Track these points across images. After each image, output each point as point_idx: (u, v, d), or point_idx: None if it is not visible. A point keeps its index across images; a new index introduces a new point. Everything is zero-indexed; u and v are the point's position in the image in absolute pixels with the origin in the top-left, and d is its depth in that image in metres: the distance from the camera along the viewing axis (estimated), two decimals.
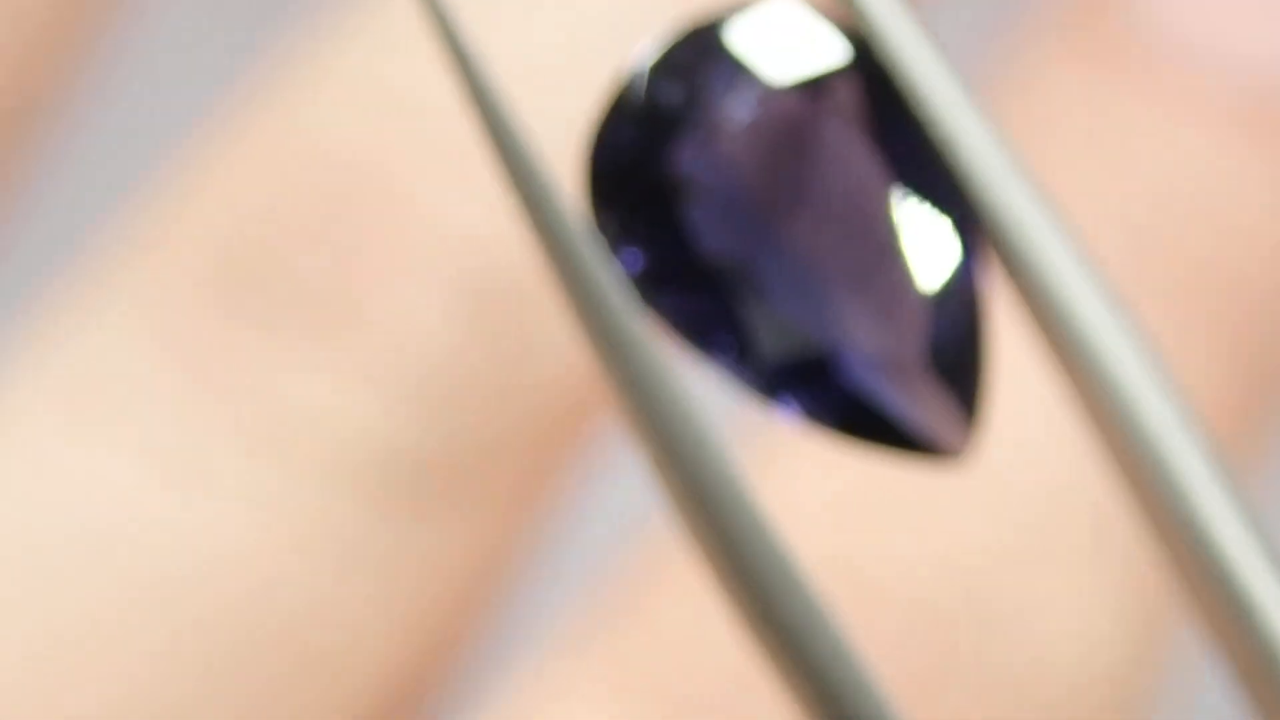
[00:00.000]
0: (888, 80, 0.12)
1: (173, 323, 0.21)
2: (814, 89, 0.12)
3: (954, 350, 0.12)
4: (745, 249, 0.12)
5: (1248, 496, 0.12)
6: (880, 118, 0.12)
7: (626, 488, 0.19)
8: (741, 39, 0.12)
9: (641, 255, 0.12)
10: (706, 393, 0.12)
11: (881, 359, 0.12)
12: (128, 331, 0.21)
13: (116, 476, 0.21)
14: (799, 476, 0.20)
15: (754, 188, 0.12)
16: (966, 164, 0.12)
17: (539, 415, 0.21)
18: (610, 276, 0.11)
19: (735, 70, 0.11)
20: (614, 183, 0.12)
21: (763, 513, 0.11)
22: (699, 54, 0.12)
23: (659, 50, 0.11)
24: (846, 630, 0.11)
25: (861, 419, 0.12)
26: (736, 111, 0.11)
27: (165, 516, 0.20)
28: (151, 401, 0.20)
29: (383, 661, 0.21)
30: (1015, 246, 0.12)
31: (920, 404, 0.12)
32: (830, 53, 0.12)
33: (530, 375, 0.21)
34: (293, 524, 0.20)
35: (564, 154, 0.12)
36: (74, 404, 0.21)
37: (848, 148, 0.12)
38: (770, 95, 0.11)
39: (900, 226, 0.12)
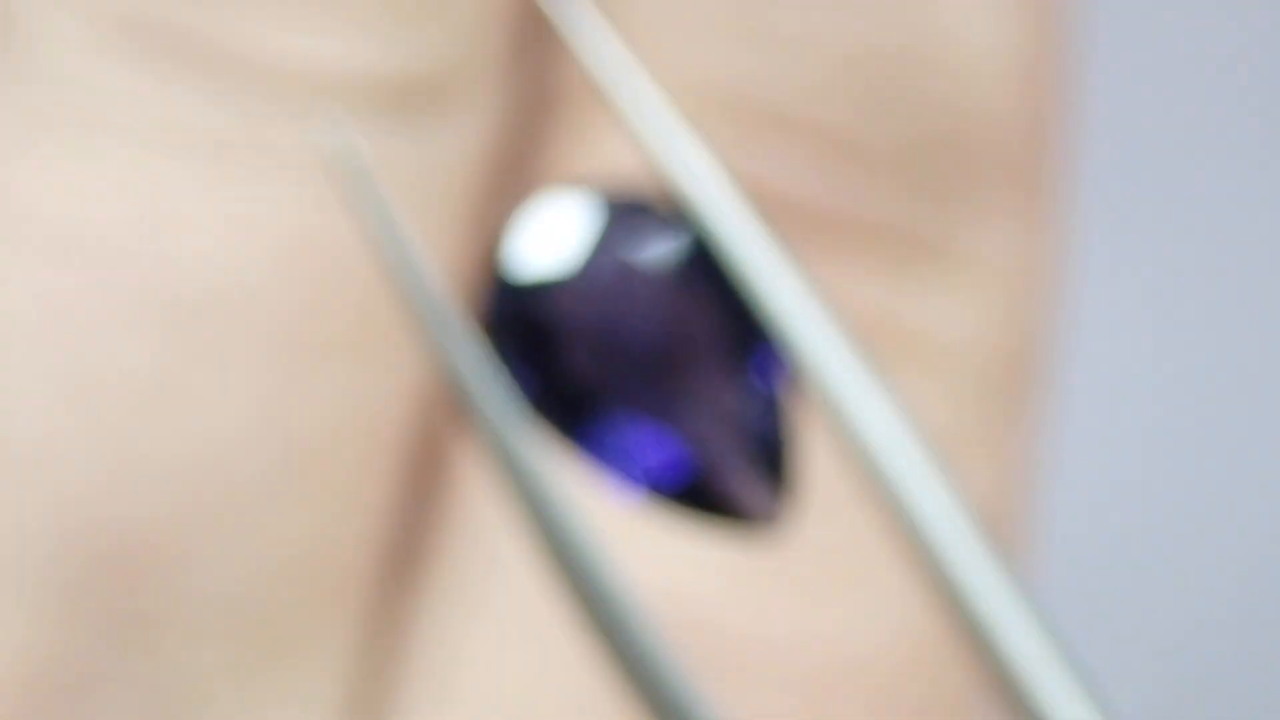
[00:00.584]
0: (706, 244, 0.16)
1: None
2: (639, 259, 0.16)
3: (766, 441, 0.17)
4: (601, 374, 0.16)
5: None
6: (700, 273, 0.16)
7: None
8: (585, 217, 0.16)
9: (528, 378, 0.16)
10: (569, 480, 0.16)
11: (709, 450, 0.17)
12: None
13: None
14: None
15: (606, 329, 0.16)
16: (771, 312, 0.16)
17: None
18: (499, 392, 0.15)
19: (584, 243, 0.16)
20: (506, 322, 0.16)
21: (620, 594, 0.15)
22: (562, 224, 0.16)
23: (528, 220, 0.16)
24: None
25: (692, 497, 0.17)
26: (588, 275, 0.16)
27: None
28: None
29: None
30: (812, 375, 0.16)
31: (737, 483, 0.17)
32: (657, 232, 0.16)
33: None
34: None
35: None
36: None
37: (674, 298, 0.16)
38: (608, 263, 0.16)
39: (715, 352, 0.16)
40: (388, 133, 0.23)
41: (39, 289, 0.22)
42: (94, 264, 0.22)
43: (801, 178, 0.24)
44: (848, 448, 0.16)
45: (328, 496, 0.22)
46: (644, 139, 0.16)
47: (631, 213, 0.16)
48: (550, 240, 0.16)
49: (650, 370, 0.17)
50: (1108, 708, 0.18)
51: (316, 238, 0.23)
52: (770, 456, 0.17)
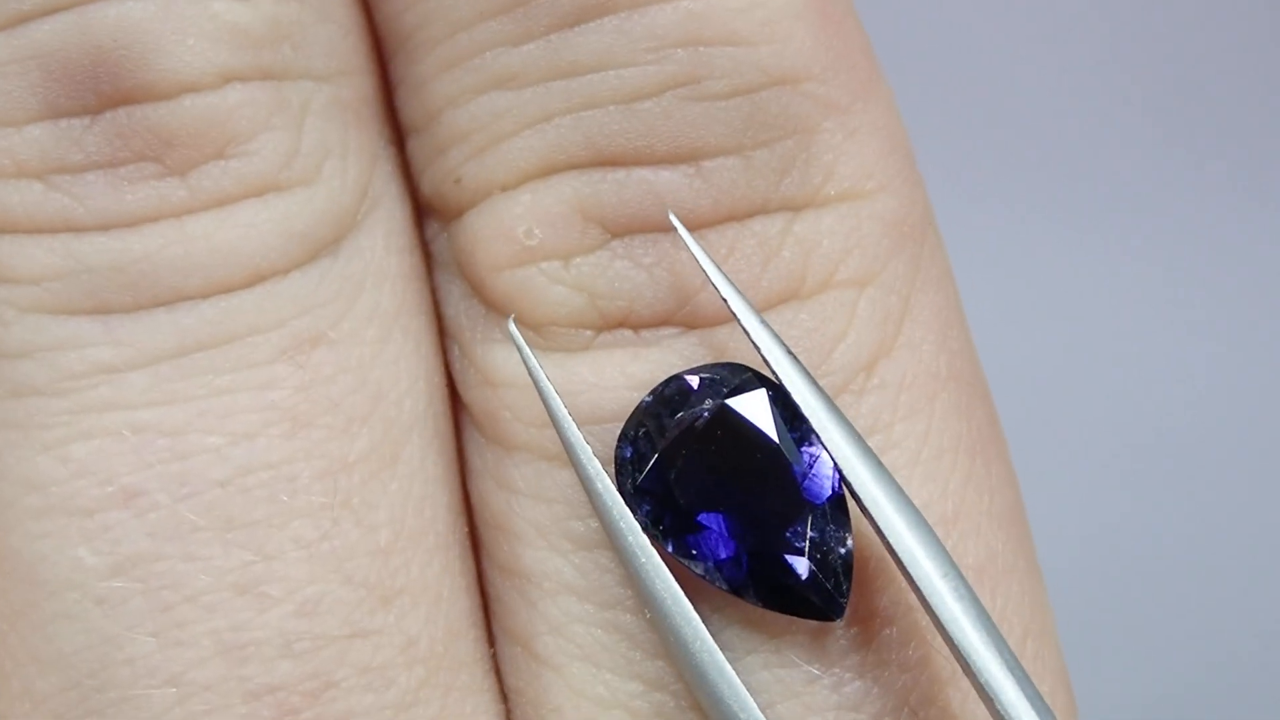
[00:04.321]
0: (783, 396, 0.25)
1: None
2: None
3: (828, 558, 0.24)
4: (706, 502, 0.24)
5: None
6: (781, 412, 0.24)
7: None
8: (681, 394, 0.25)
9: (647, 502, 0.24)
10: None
11: (787, 567, 0.24)
12: None
13: None
14: None
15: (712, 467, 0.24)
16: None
17: None
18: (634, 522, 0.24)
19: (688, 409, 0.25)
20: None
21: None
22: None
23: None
24: None
25: (777, 595, 0.24)
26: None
27: None
28: None
29: None
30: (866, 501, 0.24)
31: (812, 586, 0.24)
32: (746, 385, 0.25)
33: None
34: None
35: None
36: None
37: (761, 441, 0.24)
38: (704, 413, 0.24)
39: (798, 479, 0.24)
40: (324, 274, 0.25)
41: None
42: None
43: (675, 189, 0.25)
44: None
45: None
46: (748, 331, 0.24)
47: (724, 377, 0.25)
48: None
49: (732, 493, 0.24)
50: None
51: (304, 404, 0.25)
52: (833, 568, 0.24)
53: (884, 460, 0.25)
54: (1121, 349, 0.52)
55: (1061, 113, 0.52)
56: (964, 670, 0.23)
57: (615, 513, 0.24)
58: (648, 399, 0.25)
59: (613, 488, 0.24)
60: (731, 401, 0.24)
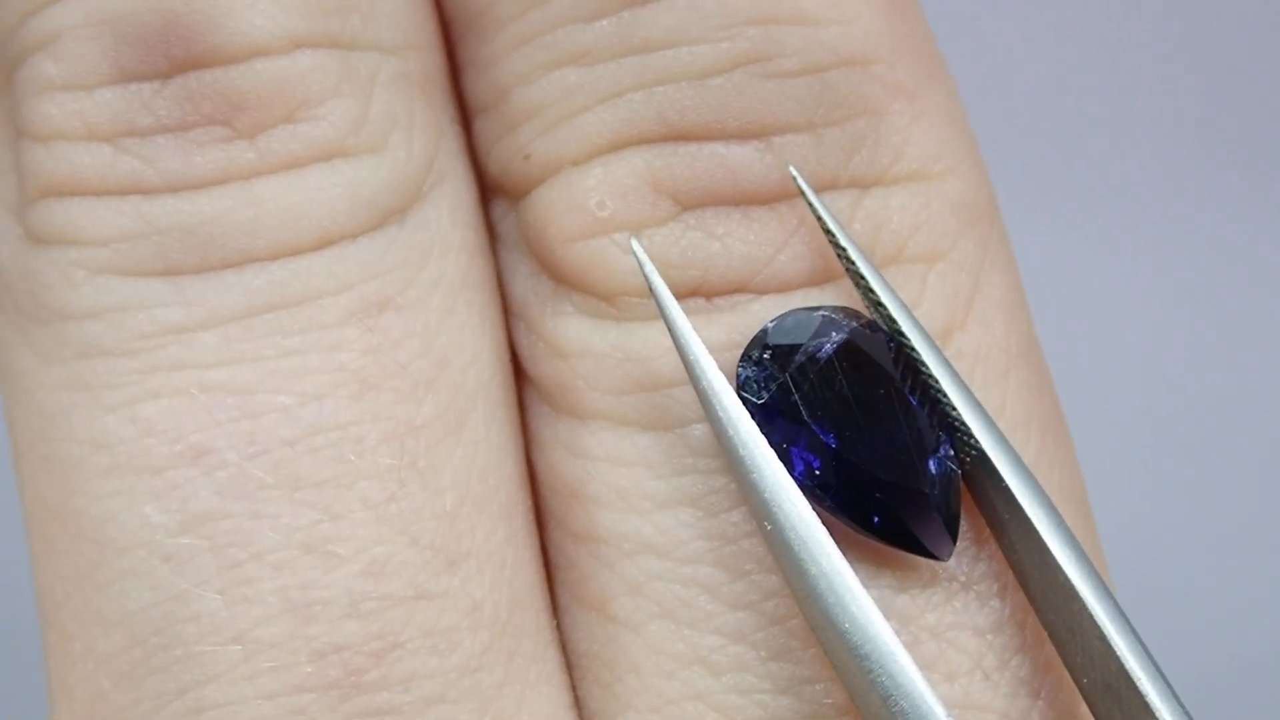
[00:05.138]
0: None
1: None
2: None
3: (945, 498, 0.25)
4: (832, 426, 0.24)
5: None
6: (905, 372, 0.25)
7: None
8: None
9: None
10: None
11: (909, 497, 0.24)
12: None
13: None
14: None
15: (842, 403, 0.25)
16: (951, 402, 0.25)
17: None
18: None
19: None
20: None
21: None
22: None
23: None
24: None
25: (891, 527, 0.24)
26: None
27: None
28: None
29: None
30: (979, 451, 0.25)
31: (926, 527, 0.24)
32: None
33: None
34: None
35: None
36: None
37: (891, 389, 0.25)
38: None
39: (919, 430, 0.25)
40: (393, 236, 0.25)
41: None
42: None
43: (747, 163, 0.25)
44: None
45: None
46: None
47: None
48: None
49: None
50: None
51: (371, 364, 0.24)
52: (951, 508, 0.25)
53: None
54: (1135, 346, 0.52)
55: (1072, 114, 0.52)
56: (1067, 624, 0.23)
57: (739, 425, 0.24)
58: (770, 324, 0.25)
59: (737, 401, 0.24)
60: (855, 336, 0.24)
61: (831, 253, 0.25)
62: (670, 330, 0.24)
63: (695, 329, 0.25)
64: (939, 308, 0.26)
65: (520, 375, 0.27)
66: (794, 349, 0.24)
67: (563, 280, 0.26)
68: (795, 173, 0.25)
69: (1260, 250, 0.52)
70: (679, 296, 0.25)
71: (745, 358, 0.25)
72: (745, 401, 0.24)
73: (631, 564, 0.25)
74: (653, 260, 0.25)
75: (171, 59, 0.25)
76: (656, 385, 0.25)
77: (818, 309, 0.25)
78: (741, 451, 0.23)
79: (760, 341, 0.25)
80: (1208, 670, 0.50)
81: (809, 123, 0.25)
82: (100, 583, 0.24)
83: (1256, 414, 0.52)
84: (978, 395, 0.25)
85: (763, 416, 0.24)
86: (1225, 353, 0.52)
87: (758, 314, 0.25)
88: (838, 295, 0.26)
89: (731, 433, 0.23)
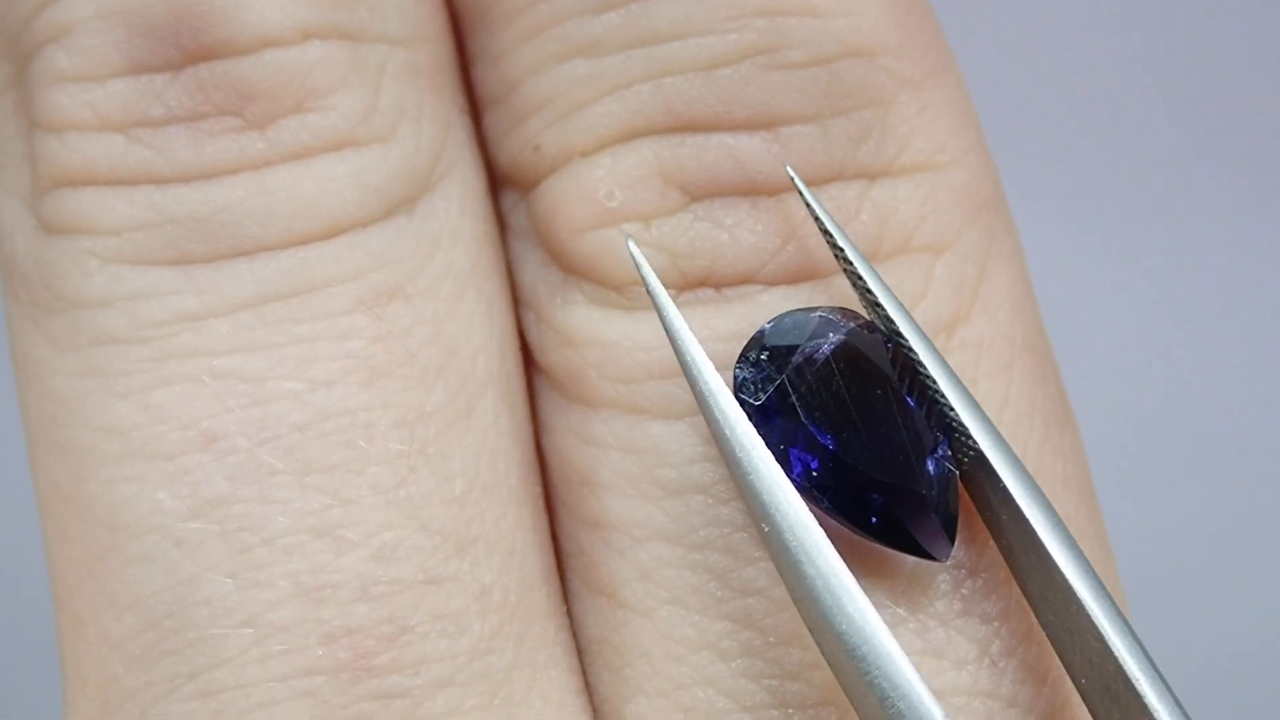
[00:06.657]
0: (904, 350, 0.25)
1: None
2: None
3: (943, 499, 0.25)
4: (828, 427, 0.24)
5: None
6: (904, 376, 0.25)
7: None
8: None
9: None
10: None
11: (907, 498, 0.24)
12: None
13: None
14: None
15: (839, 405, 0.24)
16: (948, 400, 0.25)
17: None
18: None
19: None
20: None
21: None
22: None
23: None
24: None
25: (888, 528, 0.24)
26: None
27: None
28: None
29: None
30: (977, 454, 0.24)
31: (923, 528, 0.24)
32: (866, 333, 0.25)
33: None
34: None
35: None
36: None
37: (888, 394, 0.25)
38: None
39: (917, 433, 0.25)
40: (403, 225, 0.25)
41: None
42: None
43: (754, 154, 0.25)
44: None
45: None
46: None
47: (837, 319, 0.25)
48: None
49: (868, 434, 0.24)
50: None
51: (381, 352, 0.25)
52: (948, 510, 0.25)
53: None
54: (1138, 340, 0.52)
55: (1077, 108, 0.52)
56: (1059, 623, 0.23)
57: (736, 428, 0.24)
58: (767, 326, 0.25)
59: (735, 403, 0.24)
60: (852, 337, 0.24)
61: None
62: (667, 331, 0.24)
63: (706, 318, 0.25)
64: (945, 298, 0.26)
65: (530, 364, 0.27)
66: (791, 350, 0.24)
67: (572, 270, 0.26)
68: (792, 173, 0.25)
69: (1263, 245, 0.52)
70: (688, 286, 0.25)
71: (743, 359, 0.25)
72: (742, 403, 0.24)
73: (642, 550, 0.25)
74: (661, 250, 0.25)
75: (183, 50, 0.25)
76: (666, 374, 0.25)
77: (815, 309, 0.25)
78: (739, 453, 0.23)
79: (757, 342, 0.25)
80: (1207, 670, 0.50)
81: (816, 113, 0.26)
82: (113, 567, 0.24)
83: (1256, 413, 0.52)
84: (982, 385, 0.26)
85: (760, 418, 0.24)
86: (1226, 349, 0.52)
87: (767, 305, 0.25)
88: (847, 287, 0.26)
89: (729, 434, 0.23)
